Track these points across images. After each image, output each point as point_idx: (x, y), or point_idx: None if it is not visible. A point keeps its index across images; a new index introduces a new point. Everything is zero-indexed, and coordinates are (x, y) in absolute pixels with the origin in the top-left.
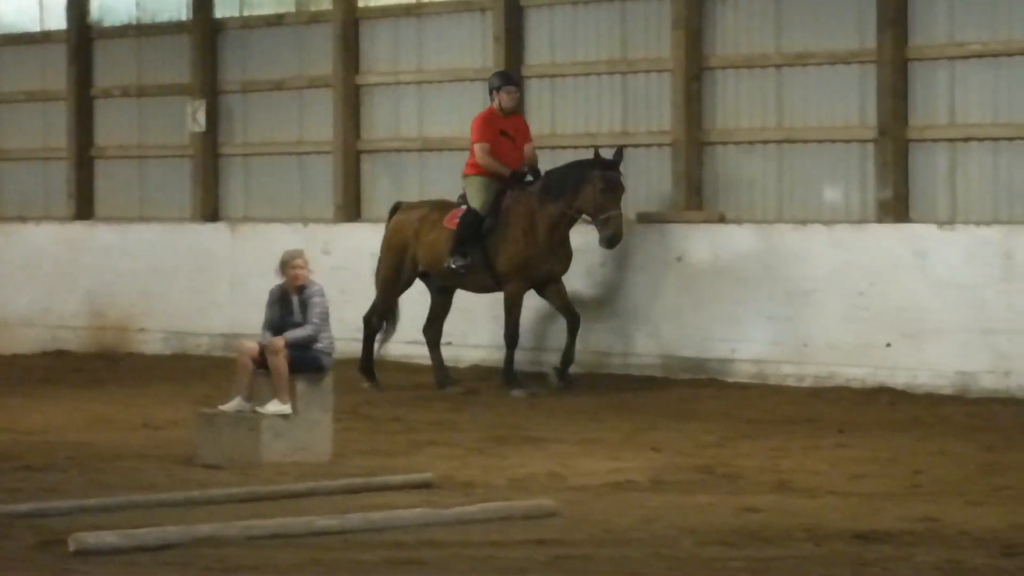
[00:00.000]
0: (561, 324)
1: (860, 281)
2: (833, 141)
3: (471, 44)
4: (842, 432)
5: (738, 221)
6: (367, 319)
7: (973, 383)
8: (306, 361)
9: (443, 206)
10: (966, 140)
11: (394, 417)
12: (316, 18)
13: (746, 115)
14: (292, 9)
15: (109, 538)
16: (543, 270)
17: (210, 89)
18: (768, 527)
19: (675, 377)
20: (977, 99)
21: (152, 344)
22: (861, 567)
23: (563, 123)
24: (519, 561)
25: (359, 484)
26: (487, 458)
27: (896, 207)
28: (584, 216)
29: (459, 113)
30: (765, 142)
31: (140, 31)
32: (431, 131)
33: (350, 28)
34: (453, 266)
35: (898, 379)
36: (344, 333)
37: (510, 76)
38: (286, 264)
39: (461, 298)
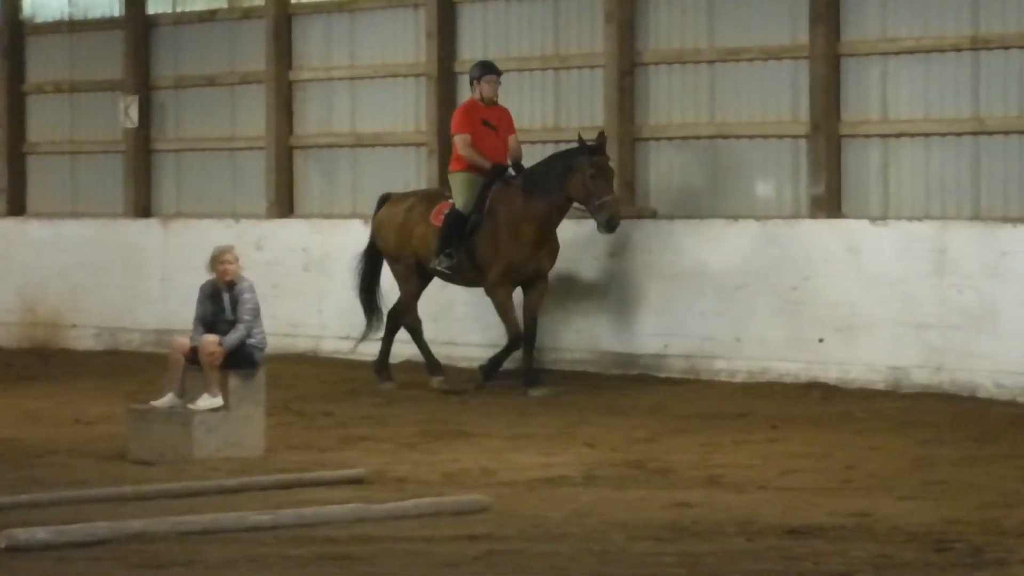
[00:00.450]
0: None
1: (793, 276)
2: (765, 136)
3: (404, 40)
4: (775, 427)
5: (670, 216)
6: (391, 315)
7: (905, 378)
8: (239, 357)
9: (430, 197)
10: (898, 136)
11: (326, 412)
12: (248, 14)
13: (678, 110)
14: (224, 5)
15: (40, 534)
16: (530, 267)
17: (142, 85)
18: (700, 522)
19: (607, 372)
20: (909, 94)
21: (84, 340)
22: (793, 562)
23: None
24: (451, 556)
25: (291, 479)
26: (419, 453)
27: (829, 202)
28: (576, 205)
29: (391, 109)
30: (697, 137)
31: (72, 27)
32: (364, 127)
33: (282, 24)
34: (439, 268)
35: (831, 374)
36: (276, 328)
37: (491, 65)
38: (216, 260)
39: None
